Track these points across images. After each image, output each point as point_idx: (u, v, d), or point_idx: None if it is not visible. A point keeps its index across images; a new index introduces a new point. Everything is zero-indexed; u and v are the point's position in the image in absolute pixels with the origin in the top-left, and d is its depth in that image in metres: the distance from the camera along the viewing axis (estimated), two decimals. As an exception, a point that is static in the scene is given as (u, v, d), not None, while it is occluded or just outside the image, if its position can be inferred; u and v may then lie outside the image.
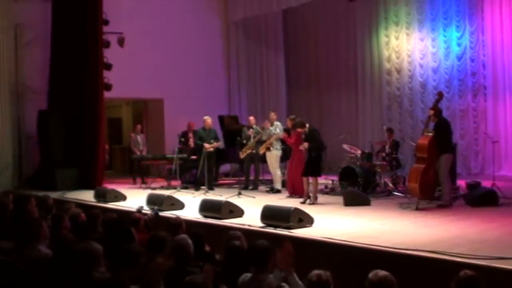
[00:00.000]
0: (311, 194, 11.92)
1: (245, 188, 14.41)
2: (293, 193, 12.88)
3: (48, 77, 16.78)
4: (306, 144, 12.12)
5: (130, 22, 17.69)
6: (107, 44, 16.31)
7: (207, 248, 6.57)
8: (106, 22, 16.17)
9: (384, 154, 13.61)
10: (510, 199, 11.06)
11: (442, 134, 10.73)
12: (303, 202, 11.81)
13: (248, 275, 5.14)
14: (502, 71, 16.10)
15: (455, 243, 7.32)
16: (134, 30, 17.49)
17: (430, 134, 10.80)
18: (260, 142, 14.15)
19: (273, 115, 14.31)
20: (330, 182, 14.12)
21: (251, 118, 15.29)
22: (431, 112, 10.94)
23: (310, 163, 12.12)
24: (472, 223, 8.97)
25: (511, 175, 15.72)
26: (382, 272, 4.38)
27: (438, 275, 6.38)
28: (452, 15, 16.99)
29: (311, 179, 12.06)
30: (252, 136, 14.18)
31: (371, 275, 4.37)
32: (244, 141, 14.34)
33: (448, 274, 5.95)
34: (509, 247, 7.10)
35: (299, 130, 12.44)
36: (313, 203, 11.74)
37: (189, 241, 5.69)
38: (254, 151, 14.05)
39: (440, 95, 11.42)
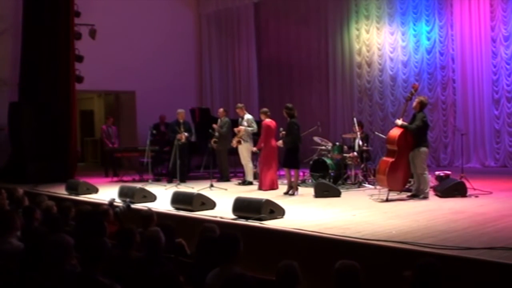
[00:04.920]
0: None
1: (218, 180, 14.42)
2: (260, 187, 12.85)
3: (19, 69, 16.63)
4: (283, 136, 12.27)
5: (102, 14, 17.61)
6: (79, 36, 16.20)
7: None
8: (78, 14, 16.06)
9: (357, 147, 13.55)
10: (478, 191, 11.22)
11: (420, 128, 10.74)
12: (286, 193, 11.94)
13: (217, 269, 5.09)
14: (471, 65, 16.30)
15: (424, 234, 7.40)
16: (105, 22, 17.42)
17: (404, 123, 10.74)
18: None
19: (238, 110, 14.33)
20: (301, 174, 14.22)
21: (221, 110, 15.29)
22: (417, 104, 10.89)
23: (286, 155, 12.23)
24: (441, 214, 9.06)
25: (479, 167, 15.99)
26: (347, 261, 4.49)
27: (408, 265, 6.46)
28: (422, 9, 17.18)
29: (292, 171, 12.14)
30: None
31: (337, 264, 4.48)
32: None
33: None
34: (477, 237, 7.19)
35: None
36: (293, 194, 11.87)
37: (161, 234, 5.72)
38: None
39: (415, 88, 11.43)
